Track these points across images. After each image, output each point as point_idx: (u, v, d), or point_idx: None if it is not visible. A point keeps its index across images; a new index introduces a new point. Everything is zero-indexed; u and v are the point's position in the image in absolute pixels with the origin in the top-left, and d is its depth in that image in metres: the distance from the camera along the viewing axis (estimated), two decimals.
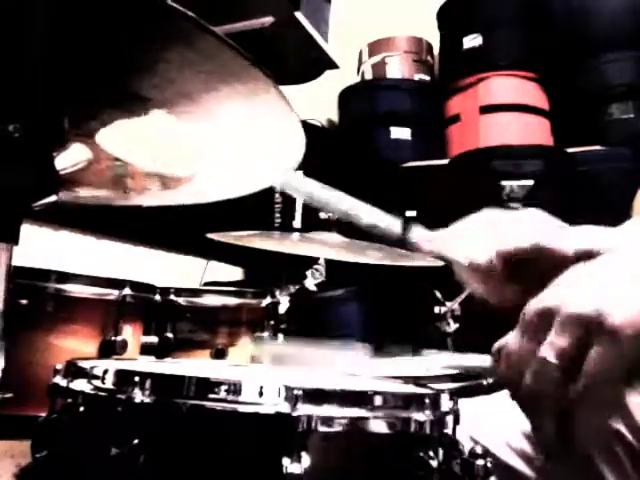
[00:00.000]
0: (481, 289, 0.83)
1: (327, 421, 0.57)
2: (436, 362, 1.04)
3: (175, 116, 0.66)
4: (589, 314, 0.53)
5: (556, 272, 0.71)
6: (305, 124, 0.70)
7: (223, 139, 0.72)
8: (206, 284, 2.30)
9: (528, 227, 0.79)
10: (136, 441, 0.56)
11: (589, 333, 0.53)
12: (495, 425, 0.87)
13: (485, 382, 1.17)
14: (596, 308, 0.53)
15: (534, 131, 2.73)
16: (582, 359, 0.53)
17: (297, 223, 1.50)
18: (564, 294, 0.56)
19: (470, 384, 1.16)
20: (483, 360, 0.65)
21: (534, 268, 0.76)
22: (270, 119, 0.67)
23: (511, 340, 0.58)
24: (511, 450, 0.85)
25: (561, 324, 0.54)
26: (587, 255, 0.69)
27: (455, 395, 0.69)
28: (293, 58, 1.85)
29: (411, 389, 0.78)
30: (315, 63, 1.93)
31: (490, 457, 0.81)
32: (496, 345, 0.61)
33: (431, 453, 0.60)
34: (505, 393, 1.02)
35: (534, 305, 0.56)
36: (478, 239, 0.82)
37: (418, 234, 0.88)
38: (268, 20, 1.61)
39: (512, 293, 0.79)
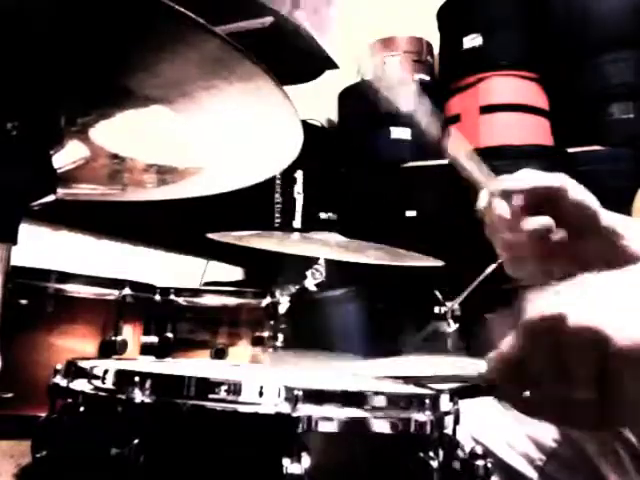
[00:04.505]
0: (496, 225, 0.79)
1: (327, 421, 0.57)
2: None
3: (174, 112, 0.66)
4: (597, 330, 0.48)
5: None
6: (305, 124, 0.71)
7: (222, 134, 0.72)
8: (206, 284, 2.30)
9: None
10: (136, 441, 0.56)
11: (600, 349, 0.48)
12: (497, 425, 0.87)
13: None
14: (600, 330, 0.48)
15: (534, 131, 2.73)
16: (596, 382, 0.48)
17: (297, 223, 1.50)
18: (569, 302, 0.50)
19: (470, 385, 1.16)
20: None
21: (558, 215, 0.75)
22: (270, 114, 0.67)
23: (508, 346, 0.53)
24: (513, 451, 0.85)
25: (571, 335, 0.49)
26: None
27: (455, 395, 0.69)
28: (293, 58, 1.85)
29: (411, 389, 0.78)
30: (315, 63, 1.93)
31: (492, 458, 0.81)
32: (492, 353, 0.57)
33: (431, 453, 0.60)
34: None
35: (537, 308, 0.51)
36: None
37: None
38: (268, 20, 1.61)
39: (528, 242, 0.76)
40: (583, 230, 0.76)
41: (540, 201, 0.77)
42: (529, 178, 0.79)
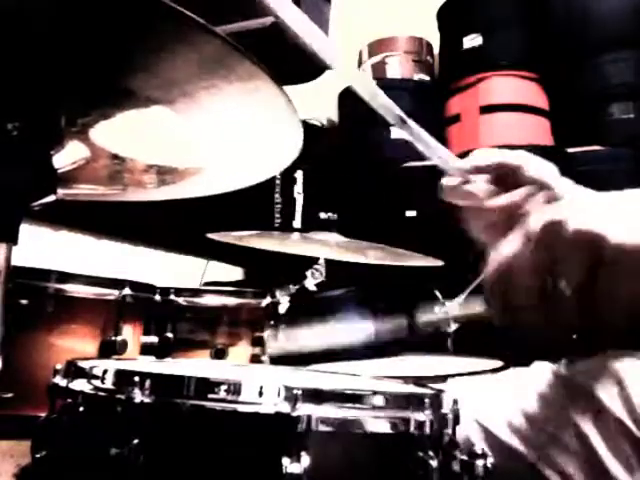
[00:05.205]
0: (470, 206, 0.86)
1: (327, 421, 0.57)
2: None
3: (174, 113, 0.66)
4: (594, 230, 0.56)
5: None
6: (305, 124, 0.71)
7: (222, 134, 0.72)
8: (206, 284, 2.30)
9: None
10: (136, 441, 0.56)
11: (596, 248, 0.56)
12: (496, 405, 0.87)
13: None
14: (599, 226, 0.56)
15: (534, 131, 2.73)
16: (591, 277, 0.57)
17: (297, 223, 1.50)
18: (568, 212, 0.58)
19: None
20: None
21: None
22: (270, 114, 0.67)
23: (508, 244, 0.60)
24: (511, 430, 0.84)
25: (570, 238, 0.57)
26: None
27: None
28: (293, 58, 1.85)
29: (411, 389, 0.78)
30: (315, 63, 1.93)
31: (491, 438, 0.82)
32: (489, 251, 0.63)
33: (431, 453, 0.60)
34: (506, 373, 1.02)
35: (539, 217, 0.59)
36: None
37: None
38: (268, 20, 1.60)
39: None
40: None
41: (499, 178, 0.83)
42: (491, 157, 0.84)
